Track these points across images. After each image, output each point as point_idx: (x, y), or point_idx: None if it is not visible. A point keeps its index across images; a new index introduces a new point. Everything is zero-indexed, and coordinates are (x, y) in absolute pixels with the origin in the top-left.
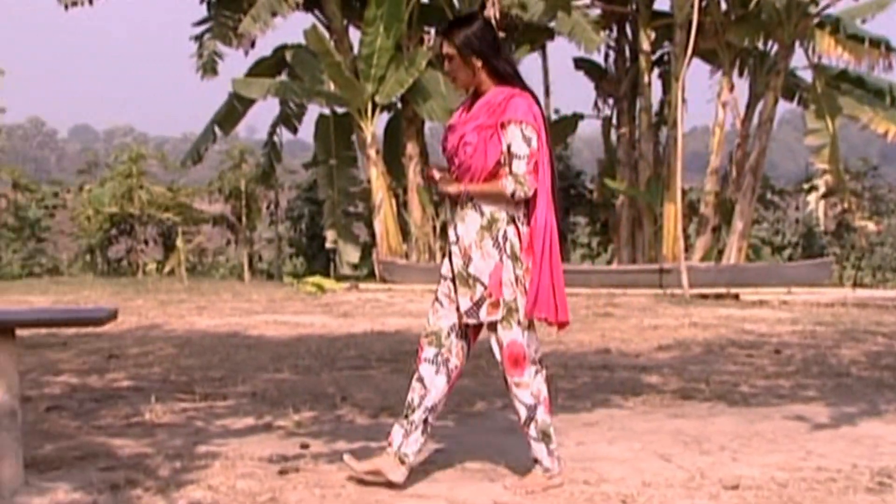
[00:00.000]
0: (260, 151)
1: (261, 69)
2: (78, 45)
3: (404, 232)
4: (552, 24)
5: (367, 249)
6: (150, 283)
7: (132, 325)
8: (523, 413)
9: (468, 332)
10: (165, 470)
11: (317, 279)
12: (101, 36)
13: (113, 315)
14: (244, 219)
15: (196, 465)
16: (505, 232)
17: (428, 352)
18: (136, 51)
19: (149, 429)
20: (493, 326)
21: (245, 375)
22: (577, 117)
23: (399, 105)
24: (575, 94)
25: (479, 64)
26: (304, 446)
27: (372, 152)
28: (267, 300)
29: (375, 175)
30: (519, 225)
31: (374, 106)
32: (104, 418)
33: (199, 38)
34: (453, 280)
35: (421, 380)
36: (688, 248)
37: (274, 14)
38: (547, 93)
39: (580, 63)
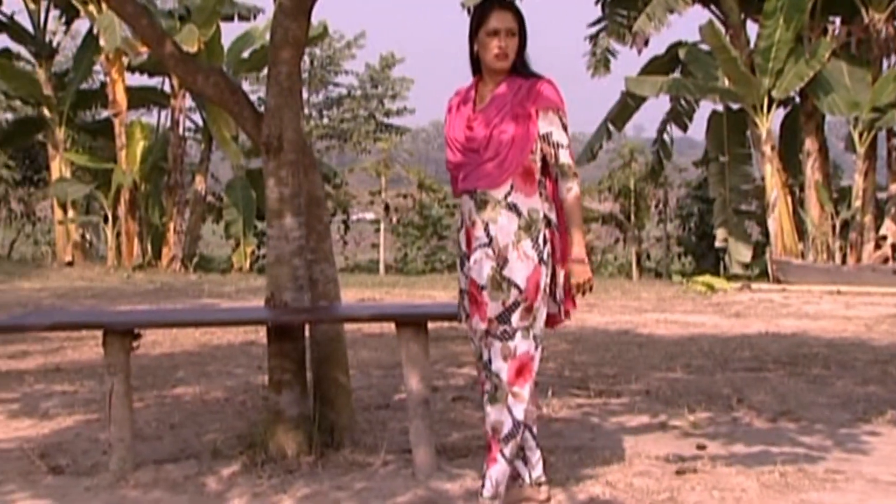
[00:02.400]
0: (648, 150)
1: (654, 67)
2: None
3: (800, 231)
4: None
5: (760, 248)
6: None
7: None
8: (507, 428)
9: None
10: (564, 463)
11: (707, 278)
12: None
13: None
14: (633, 217)
15: (593, 461)
16: (544, 234)
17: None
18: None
19: (546, 422)
20: (505, 335)
21: (638, 373)
22: None
23: (797, 99)
24: None
25: (524, 48)
26: (701, 447)
27: (767, 149)
28: (656, 298)
29: (770, 172)
30: (550, 227)
31: (771, 101)
32: None
33: (593, 37)
34: (480, 290)
35: None
36: None
37: (670, 11)
38: None
39: None
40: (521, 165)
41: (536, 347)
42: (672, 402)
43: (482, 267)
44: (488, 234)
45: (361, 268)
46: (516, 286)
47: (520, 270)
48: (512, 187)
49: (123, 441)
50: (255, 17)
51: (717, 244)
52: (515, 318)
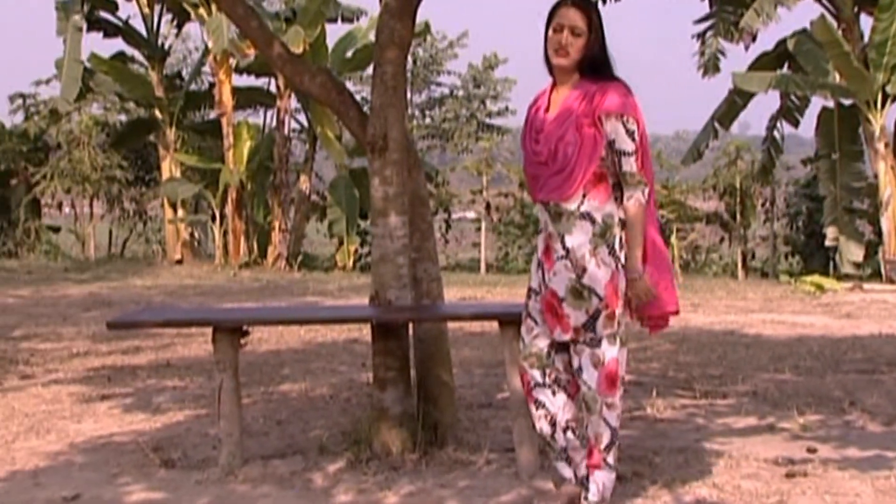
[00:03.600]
0: (754, 148)
1: (762, 63)
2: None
3: None
4: None
5: (872, 248)
6: None
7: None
8: (606, 438)
9: (569, 346)
10: (669, 465)
11: (816, 278)
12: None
13: None
14: (738, 216)
15: (699, 462)
16: (620, 239)
17: (534, 375)
18: (634, 54)
19: (651, 423)
20: (592, 342)
21: (744, 374)
22: None
23: None
24: None
25: (592, 49)
26: (812, 450)
27: (880, 146)
28: (763, 299)
29: (883, 169)
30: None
31: (885, 97)
32: None
33: (700, 35)
34: (560, 302)
35: (542, 405)
36: None
37: (779, 4)
38: None
39: None
40: (590, 172)
41: (623, 353)
42: (780, 403)
43: (562, 279)
44: (564, 246)
45: (462, 266)
46: (597, 294)
47: (599, 278)
48: (584, 196)
49: (232, 436)
50: (358, 19)
51: (827, 243)
52: (599, 325)
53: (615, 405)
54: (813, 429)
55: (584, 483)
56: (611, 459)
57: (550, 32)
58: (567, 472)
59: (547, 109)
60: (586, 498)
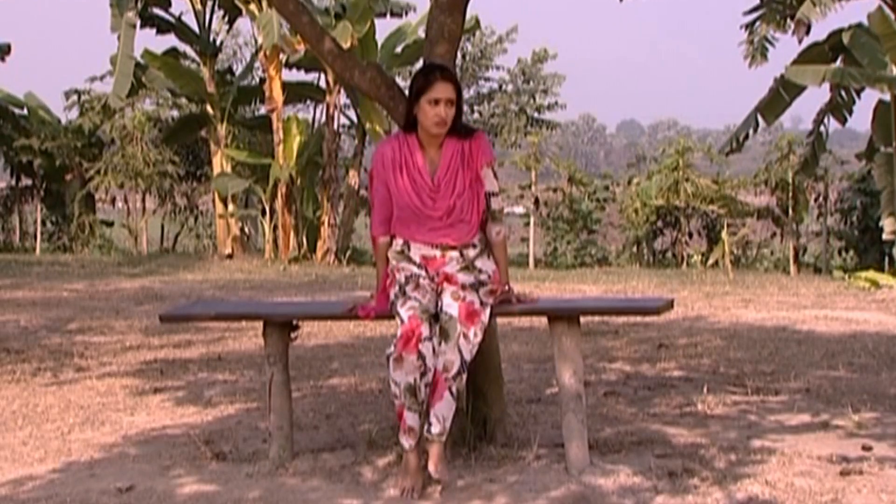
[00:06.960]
0: (806, 142)
1: (812, 55)
2: (625, 42)
3: None
4: None
5: None
6: (694, 275)
7: (678, 315)
8: (456, 366)
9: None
10: (721, 462)
11: (871, 273)
12: (640, 33)
13: (669, 305)
14: (790, 211)
15: (751, 460)
16: (488, 255)
17: (425, 330)
18: (675, 47)
19: (701, 419)
20: (463, 289)
21: (797, 371)
22: None
23: None
24: None
25: (460, 114)
26: (867, 448)
27: None
28: (815, 294)
29: None
30: None
31: None
32: (658, 406)
33: (749, 25)
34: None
35: (423, 357)
36: None
37: None
38: None
39: None
40: (478, 217)
41: (486, 315)
42: (834, 400)
43: (453, 265)
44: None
45: (511, 261)
46: (486, 272)
47: (487, 265)
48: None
49: (283, 429)
50: (407, 14)
51: (885, 237)
52: (482, 292)
53: (471, 340)
54: (868, 426)
55: (427, 420)
56: (454, 389)
57: (424, 103)
58: (417, 423)
59: (425, 167)
60: (429, 432)
